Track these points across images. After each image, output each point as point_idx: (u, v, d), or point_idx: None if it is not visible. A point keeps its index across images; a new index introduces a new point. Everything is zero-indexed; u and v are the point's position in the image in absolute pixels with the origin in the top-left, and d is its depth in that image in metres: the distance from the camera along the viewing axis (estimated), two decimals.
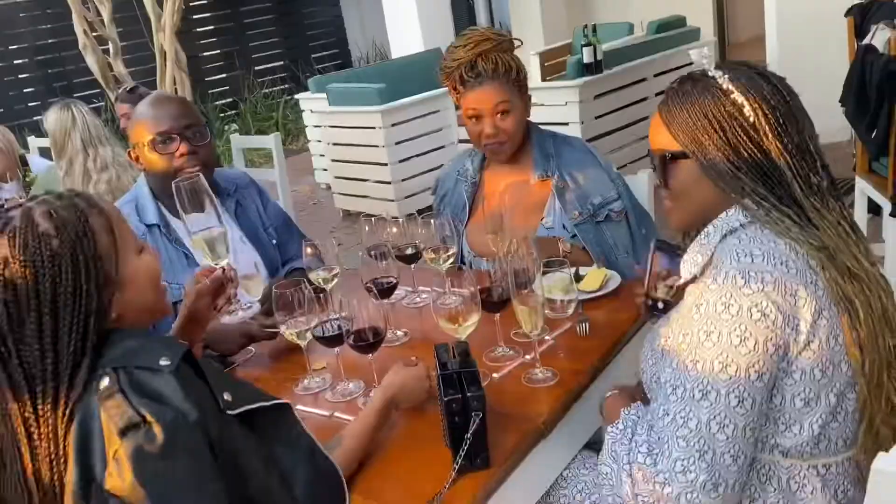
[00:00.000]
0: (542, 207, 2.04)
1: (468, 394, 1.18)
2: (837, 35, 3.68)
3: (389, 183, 5.29)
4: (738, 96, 1.15)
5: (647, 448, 1.11)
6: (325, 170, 5.97)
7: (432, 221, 1.89)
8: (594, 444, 1.53)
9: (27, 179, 3.55)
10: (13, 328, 0.96)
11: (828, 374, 1.11)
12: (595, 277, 1.82)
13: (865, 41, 3.09)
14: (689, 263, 1.19)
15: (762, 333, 1.07)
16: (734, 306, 1.08)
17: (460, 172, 2.20)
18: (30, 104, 8.51)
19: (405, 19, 7.17)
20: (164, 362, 0.96)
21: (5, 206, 1.03)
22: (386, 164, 5.24)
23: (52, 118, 3.13)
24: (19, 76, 8.61)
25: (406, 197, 5.35)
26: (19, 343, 0.96)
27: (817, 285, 1.10)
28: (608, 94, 5.06)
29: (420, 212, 5.27)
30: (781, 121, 1.14)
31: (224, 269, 1.48)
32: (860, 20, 3.38)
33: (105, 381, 0.96)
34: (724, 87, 1.16)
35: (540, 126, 2.14)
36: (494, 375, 1.50)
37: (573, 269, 1.72)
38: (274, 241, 2.11)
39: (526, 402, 1.41)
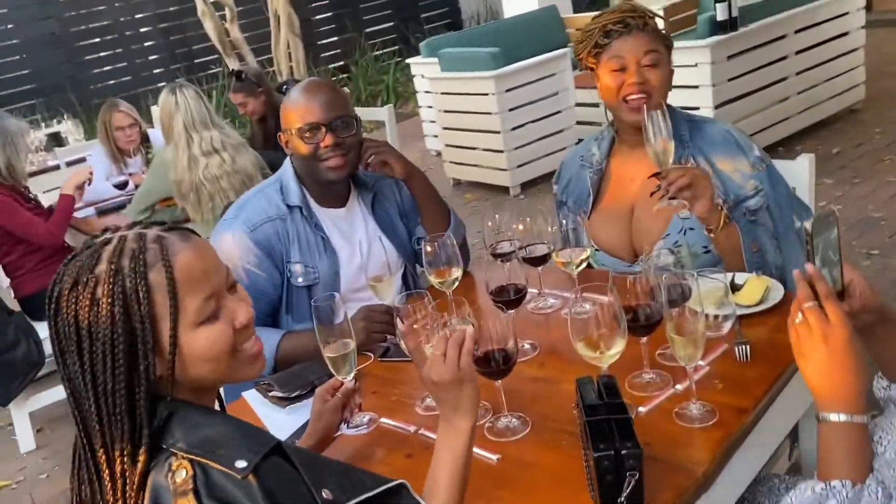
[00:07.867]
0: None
1: (622, 451, 1.01)
2: None
3: (502, 151, 5.10)
4: None
5: None
6: (436, 136, 5.84)
7: (558, 215, 1.71)
8: None
9: (149, 156, 3.62)
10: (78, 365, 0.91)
11: None
12: (755, 288, 1.57)
13: None
14: None
15: None
16: None
17: (584, 157, 1.98)
18: (154, 71, 8.83)
19: None
20: (240, 464, 0.86)
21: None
22: (499, 132, 5.04)
23: (161, 102, 3.16)
24: (144, 44, 8.92)
25: (518, 166, 5.16)
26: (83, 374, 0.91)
27: None
28: (743, 54, 4.61)
29: (533, 182, 5.12)
30: None
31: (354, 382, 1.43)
32: None
33: (182, 475, 0.87)
34: None
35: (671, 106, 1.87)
36: (640, 409, 1.32)
37: (729, 277, 1.50)
38: (409, 231, 2.09)
39: (680, 445, 1.22)
